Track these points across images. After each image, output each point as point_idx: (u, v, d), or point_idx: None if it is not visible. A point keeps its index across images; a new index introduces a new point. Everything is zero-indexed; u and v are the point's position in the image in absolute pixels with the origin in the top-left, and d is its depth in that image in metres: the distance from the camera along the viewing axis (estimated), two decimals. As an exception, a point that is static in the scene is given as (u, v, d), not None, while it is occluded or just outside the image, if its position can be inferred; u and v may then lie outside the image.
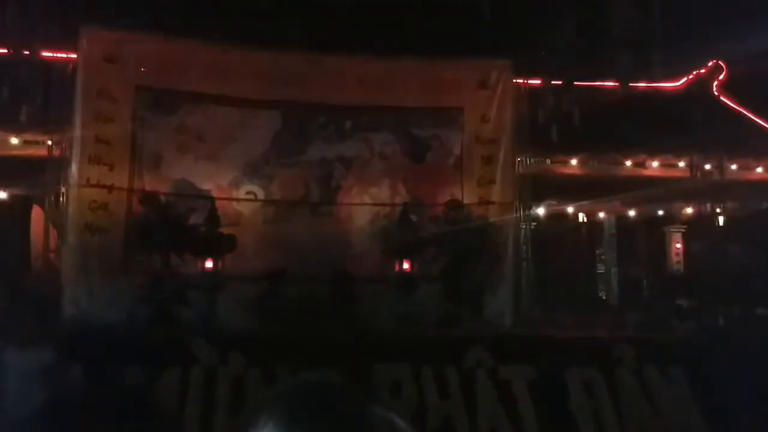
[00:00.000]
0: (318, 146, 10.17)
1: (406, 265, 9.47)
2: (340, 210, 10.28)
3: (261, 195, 10.05)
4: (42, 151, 9.40)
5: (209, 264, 8.89)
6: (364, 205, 10.26)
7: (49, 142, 9.36)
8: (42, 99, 9.32)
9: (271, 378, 6.57)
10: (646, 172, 11.28)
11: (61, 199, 9.13)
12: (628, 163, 11.22)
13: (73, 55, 9.30)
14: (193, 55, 9.70)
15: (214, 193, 9.69)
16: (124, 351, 6.70)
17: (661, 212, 11.65)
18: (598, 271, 12.18)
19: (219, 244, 8.97)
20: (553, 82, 10.64)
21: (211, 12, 9.96)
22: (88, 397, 6.29)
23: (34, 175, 9.18)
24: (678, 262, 11.79)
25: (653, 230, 11.88)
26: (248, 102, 9.89)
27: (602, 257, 12.10)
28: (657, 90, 11.73)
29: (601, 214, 11.70)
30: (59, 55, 9.60)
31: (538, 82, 10.66)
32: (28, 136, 9.56)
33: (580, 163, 11.05)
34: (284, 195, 10.11)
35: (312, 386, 0.88)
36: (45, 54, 9.59)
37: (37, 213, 9.66)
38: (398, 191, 10.34)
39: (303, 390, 0.87)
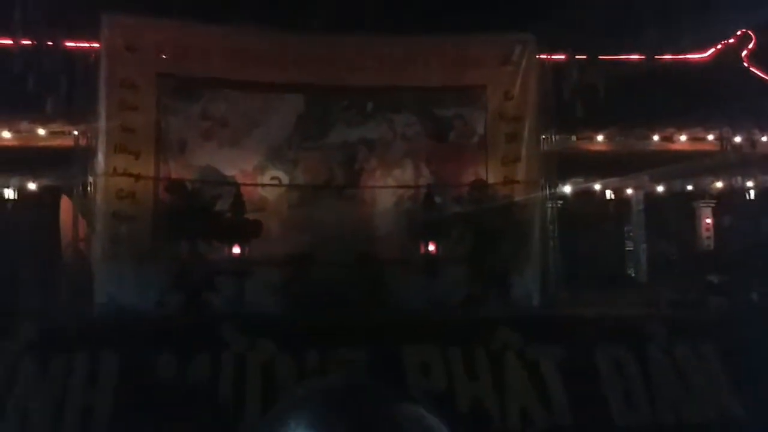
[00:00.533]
0: (341, 129, 10.14)
1: (431, 247, 9.43)
2: (364, 193, 10.25)
3: (285, 180, 10.06)
4: (68, 142, 9.49)
5: (236, 250, 8.94)
6: (388, 187, 10.22)
7: (75, 132, 9.43)
8: (66, 89, 9.35)
9: (300, 362, 6.64)
10: (675, 147, 11.07)
11: (89, 188, 9.21)
12: (656, 137, 11.01)
13: (96, 44, 9.31)
14: (214, 40, 9.67)
15: (239, 179, 9.72)
16: (155, 337, 6.81)
17: (690, 187, 11.43)
18: (627, 249, 12.02)
19: (245, 230, 9.02)
20: (577, 57, 10.43)
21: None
22: (119, 383, 6.41)
23: (61, 166, 9.26)
24: (708, 238, 11.58)
25: (682, 206, 11.67)
26: (270, 86, 9.87)
27: (631, 234, 11.93)
28: (684, 62, 11.47)
29: (629, 191, 11.51)
30: (82, 44, 9.64)
31: (563, 57, 10.46)
32: (55, 127, 9.65)
33: (607, 138, 10.87)
34: (308, 179, 10.11)
35: (340, 385, 0.86)
36: (68, 44, 9.63)
37: (65, 203, 9.78)
38: (422, 172, 10.27)
39: (331, 390, 0.85)
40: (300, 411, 0.80)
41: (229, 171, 9.84)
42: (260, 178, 9.97)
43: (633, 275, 11.76)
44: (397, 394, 0.85)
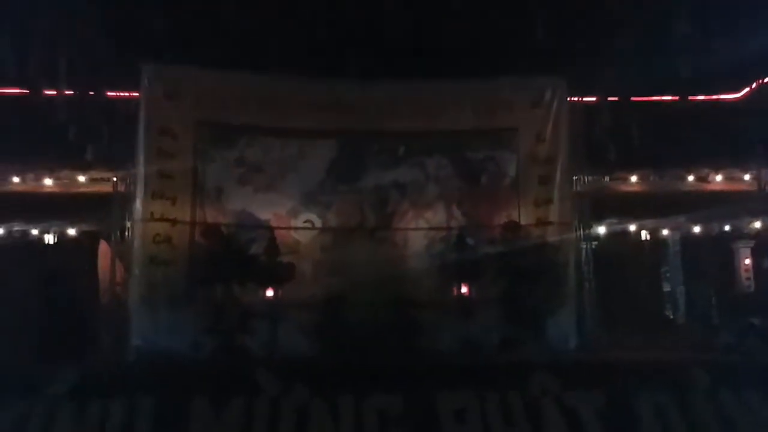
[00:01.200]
0: (373, 173, 10.24)
1: (464, 289, 9.38)
2: (396, 235, 10.28)
3: (318, 223, 10.15)
4: (107, 188, 9.72)
5: (270, 292, 8.99)
6: (420, 229, 10.24)
7: (114, 179, 9.67)
8: (107, 137, 9.65)
9: (334, 407, 6.60)
10: (710, 187, 10.94)
11: (126, 233, 9.40)
12: (691, 177, 10.91)
13: (136, 93, 9.60)
14: (250, 88, 9.91)
15: (273, 223, 9.84)
16: (190, 381, 6.84)
17: (727, 227, 11.24)
18: (664, 290, 11.80)
19: (279, 273, 9.09)
20: (609, 99, 10.45)
21: (264, 43, 10.16)
22: (155, 428, 6.43)
23: (100, 211, 9.48)
24: (748, 279, 11.33)
25: (720, 246, 11.46)
26: (304, 132, 10.05)
27: (667, 275, 11.73)
28: (718, 102, 11.39)
29: (665, 231, 11.36)
30: (122, 93, 9.95)
31: (594, 99, 10.49)
32: (95, 174, 9.92)
33: (641, 179, 10.79)
34: (341, 222, 10.18)
35: None
36: (109, 93, 9.95)
37: (103, 247, 9.97)
38: (453, 215, 10.29)
39: None
40: None
41: (264, 215, 9.96)
42: (294, 222, 10.08)
43: (671, 317, 11.52)
44: None
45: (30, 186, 10.01)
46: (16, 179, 9.93)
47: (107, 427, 6.45)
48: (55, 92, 9.90)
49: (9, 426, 6.35)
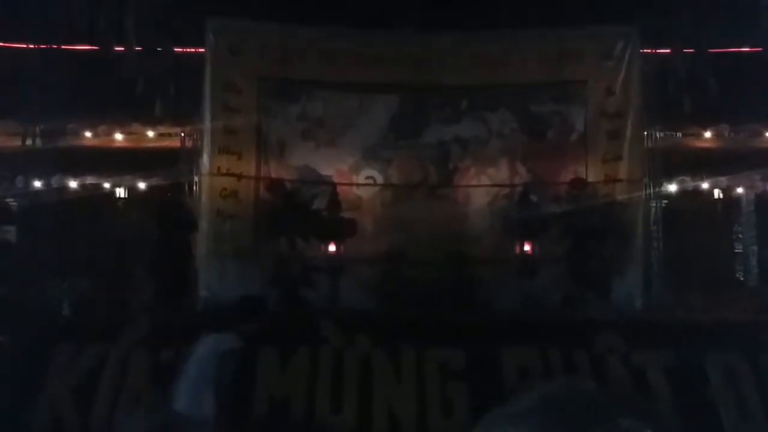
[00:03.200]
0: (434, 128, 10.11)
1: (527, 247, 9.25)
2: (458, 192, 10.18)
3: (379, 179, 10.13)
4: (175, 143, 9.94)
5: (332, 247, 9.08)
6: (483, 186, 10.11)
7: (182, 134, 9.86)
8: (174, 92, 9.82)
9: (396, 359, 6.66)
10: (789, 143, 10.40)
11: (194, 187, 9.63)
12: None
13: (201, 49, 9.70)
14: (312, 42, 9.88)
15: (335, 179, 9.88)
16: (256, 330, 7.01)
17: (806, 186, 10.69)
18: (736, 251, 11.37)
19: (340, 228, 9.16)
20: (684, 50, 9.96)
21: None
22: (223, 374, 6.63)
23: (169, 166, 9.71)
24: (825, 241, 10.80)
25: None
26: (366, 86, 9.97)
27: (740, 236, 11.29)
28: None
29: (739, 190, 10.89)
30: (188, 49, 10.06)
31: (668, 50, 10.02)
32: (162, 129, 10.14)
33: (715, 135, 10.33)
34: (402, 178, 10.14)
35: (563, 395, 0.84)
36: (175, 49, 10.07)
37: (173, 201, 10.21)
38: (517, 171, 10.10)
39: (555, 399, 0.83)
40: (523, 421, 0.79)
41: (326, 171, 10.02)
42: (355, 178, 10.09)
43: (742, 278, 11.12)
44: (620, 406, 0.82)
45: (101, 141, 10.29)
46: (88, 134, 10.22)
47: (177, 371, 6.69)
48: (123, 49, 10.08)
49: (86, 369, 6.66)
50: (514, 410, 0.82)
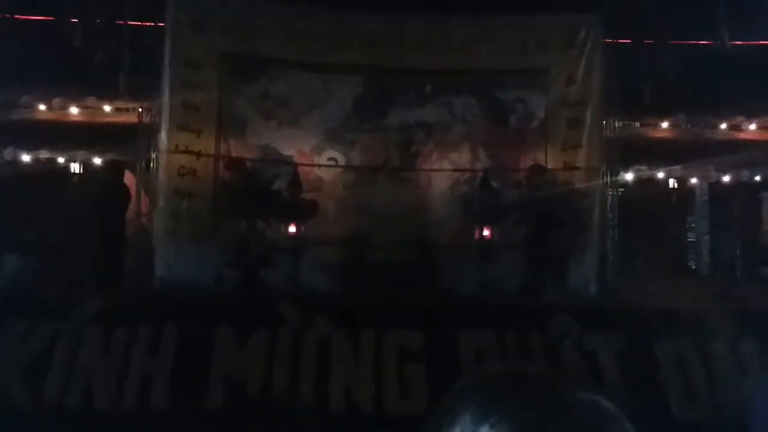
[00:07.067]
0: (398, 111, 10.09)
1: (486, 232, 9.33)
2: (420, 175, 10.21)
3: (342, 161, 10.09)
4: (133, 118, 9.71)
5: (292, 229, 9.02)
6: (445, 170, 10.15)
7: (140, 109, 9.64)
8: (132, 67, 9.60)
9: (356, 341, 6.67)
10: (743, 135, 10.67)
11: (151, 164, 9.44)
12: (724, 125, 10.63)
13: (161, 23, 9.48)
14: (276, 19, 9.73)
15: (297, 159, 9.80)
16: (214, 311, 6.94)
17: (757, 178, 11.02)
18: (689, 240, 11.70)
19: (301, 209, 9.09)
20: (645, 41, 10.12)
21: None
22: (180, 354, 6.56)
23: (125, 142, 9.49)
24: (775, 230, 11.18)
25: (748, 197, 11.27)
26: (330, 67, 9.89)
27: (693, 225, 11.60)
28: (758, 47, 11.00)
29: (693, 180, 11.18)
30: (148, 23, 9.82)
31: (629, 40, 10.17)
32: (120, 104, 9.89)
33: (672, 126, 10.55)
34: (364, 161, 10.11)
35: (508, 374, 0.84)
36: (134, 22, 9.82)
37: (129, 178, 10.02)
38: (479, 156, 10.16)
39: (500, 378, 0.83)
40: (468, 400, 0.78)
41: (287, 151, 9.92)
42: (317, 159, 10.02)
43: (694, 267, 11.45)
44: (573, 381, 0.82)
45: (55, 114, 10.00)
46: (42, 107, 9.92)
47: (132, 352, 6.59)
48: (78, 20, 9.78)
49: (38, 346, 6.51)
50: (464, 389, 0.82)
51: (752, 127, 10.62)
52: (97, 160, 10.04)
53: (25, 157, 9.83)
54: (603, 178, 9.75)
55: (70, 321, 6.62)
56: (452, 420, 0.77)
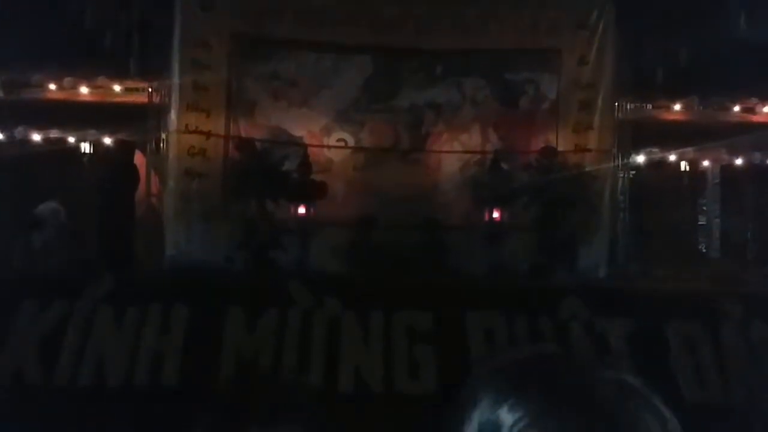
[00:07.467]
0: (408, 92, 10.02)
1: (496, 214, 9.30)
2: (429, 157, 10.17)
3: (351, 142, 10.05)
4: (143, 98, 9.69)
5: (302, 210, 9.02)
6: (455, 152, 10.11)
7: (150, 89, 9.63)
8: (142, 47, 9.57)
9: (365, 322, 6.69)
10: (756, 118, 10.56)
11: (161, 144, 9.45)
12: (737, 108, 10.52)
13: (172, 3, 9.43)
14: (286, 0, 9.68)
15: (306, 140, 9.78)
16: (224, 291, 6.98)
17: (770, 161, 10.92)
18: (700, 223, 11.62)
19: (311, 191, 9.08)
20: (657, 22, 9.98)
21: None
22: (189, 334, 6.60)
23: (136, 122, 9.49)
24: (787, 214, 11.07)
25: (761, 180, 11.17)
26: (340, 47, 9.83)
27: (704, 208, 11.52)
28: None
29: (705, 163, 11.09)
30: (158, 2, 9.77)
31: (641, 21, 10.03)
32: (130, 83, 9.87)
33: (684, 108, 10.44)
34: (374, 142, 10.07)
35: (527, 356, 0.83)
36: (145, 2, 9.78)
37: (139, 158, 10.04)
38: (489, 138, 10.11)
39: (519, 360, 0.82)
40: (489, 385, 0.78)
41: (297, 132, 9.89)
42: (327, 140, 9.99)
43: (704, 250, 11.39)
44: (594, 361, 0.81)
45: (66, 94, 9.99)
46: (52, 86, 9.92)
47: (143, 331, 6.64)
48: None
49: (50, 326, 6.56)
50: (483, 375, 0.81)
51: (766, 109, 10.49)
52: (107, 140, 10.03)
53: (36, 137, 9.85)
54: (614, 161, 9.69)
55: (81, 300, 6.67)
56: (473, 404, 0.76)
